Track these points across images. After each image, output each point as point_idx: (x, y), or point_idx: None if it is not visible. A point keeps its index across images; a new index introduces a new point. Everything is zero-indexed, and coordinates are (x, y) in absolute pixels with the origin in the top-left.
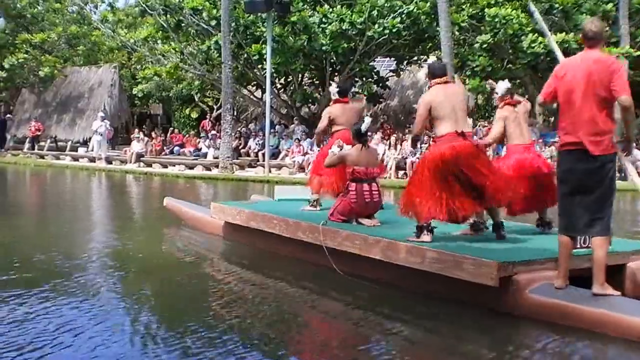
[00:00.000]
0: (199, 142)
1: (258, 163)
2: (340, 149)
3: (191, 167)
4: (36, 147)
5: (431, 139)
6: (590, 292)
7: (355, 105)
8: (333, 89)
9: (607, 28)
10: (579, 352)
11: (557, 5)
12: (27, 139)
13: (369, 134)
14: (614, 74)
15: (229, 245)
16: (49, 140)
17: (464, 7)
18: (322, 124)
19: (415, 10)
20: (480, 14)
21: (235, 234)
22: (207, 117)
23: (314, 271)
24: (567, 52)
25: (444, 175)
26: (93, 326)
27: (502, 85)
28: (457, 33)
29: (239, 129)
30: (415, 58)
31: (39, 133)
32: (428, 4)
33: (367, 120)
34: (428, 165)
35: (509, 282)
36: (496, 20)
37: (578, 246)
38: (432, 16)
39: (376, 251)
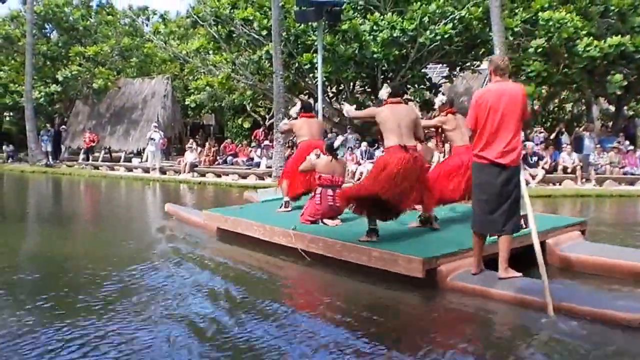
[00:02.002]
0: (251, 151)
1: None
2: (317, 157)
3: (244, 177)
4: (90, 158)
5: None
6: (497, 276)
7: (318, 120)
8: (296, 107)
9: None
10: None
11: (612, 8)
12: (82, 150)
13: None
14: (524, 103)
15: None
16: (103, 151)
17: (517, 11)
18: (283, 128)
19: (467, 15)
20: (533, 18)
21: (226, 234)
22: (261, 127)
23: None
24: (623, 55)
25: (387, 178)
26: None
27: (439, 98)
28: (510, 38)
29: (291, 138)
30: (468, 64)
31: (93, 144)
32: (480, 9)
33: (340, 138)
34: (377, 171)
35: (434, 273)
36: (550, 24)
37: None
38: (485, 21)
39: (334, 252)
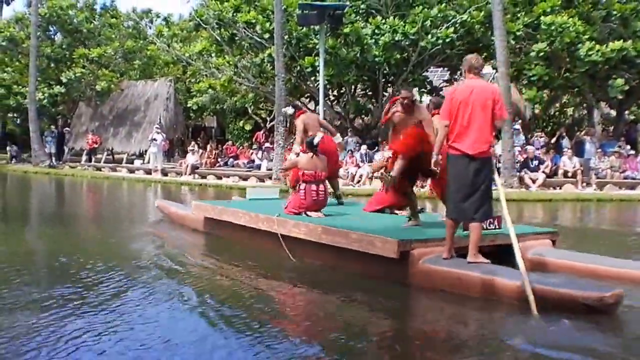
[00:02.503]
0: (252, 153)
1: None
2: (297, 156)
3: (245, 179)
4: (93, 159)
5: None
6: (466, 261)
7: (314, 113)
8: (289, 109)
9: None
10: None
11: (615, 12)
12: (85, 152)
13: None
14: (496, 102)
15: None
16: (105, 153)
17: (519, 15)
18: (301, 133)
19: (469, 19)
20: (536, 22)
21: (212, 228)
22: (262, 129)
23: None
24: (625, 60)
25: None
26: None
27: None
28: (512, 42)
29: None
30: None
31: (96, 145)
32: (482, 13)
33: (319, 135)
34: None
35: (407, 255)
36: (552, 28)
37: (488, 227)
38: (487, 25)
39: (315, 235)
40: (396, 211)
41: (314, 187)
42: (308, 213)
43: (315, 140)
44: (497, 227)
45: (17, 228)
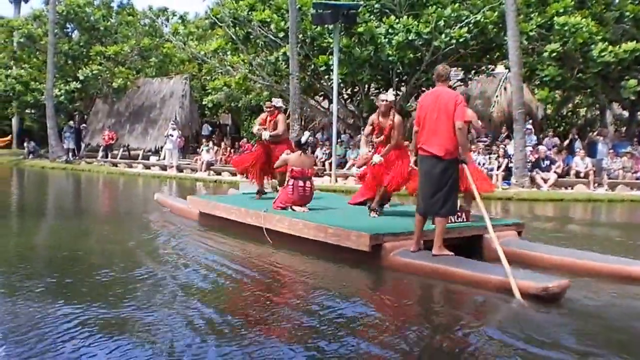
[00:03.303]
0: None
1: (325, 172)
2: (287, 154)
3: None
4: (109, 155)
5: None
6: (432, 253)
7: None
8: (278, 101)
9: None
10: None
11: (628, 13)
12: (101, 148)
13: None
14: (456, 105)
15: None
16: (121, 149)
17: (532, 15)
18: (283, 130)
19: (482, 19)
20: (549, 22)
21: (207, 219)
22: None
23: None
24: (638, 61)
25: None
26: None
27: (390, 95)
28: (525, 42)
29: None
30: (483, 68)
31: (112, 142)
32: (496, 13)
33: (307, 134)
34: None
35: (380, 248)
36: (565, 28)
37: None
38: (500, 25)
39: (297, 229)
40: None
41: (301, 183)
42: (294, 207)
43: (303, 139)
44: (464, 220)
45: (25, 221)
